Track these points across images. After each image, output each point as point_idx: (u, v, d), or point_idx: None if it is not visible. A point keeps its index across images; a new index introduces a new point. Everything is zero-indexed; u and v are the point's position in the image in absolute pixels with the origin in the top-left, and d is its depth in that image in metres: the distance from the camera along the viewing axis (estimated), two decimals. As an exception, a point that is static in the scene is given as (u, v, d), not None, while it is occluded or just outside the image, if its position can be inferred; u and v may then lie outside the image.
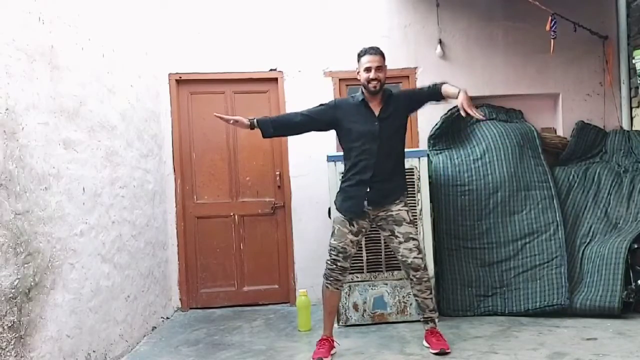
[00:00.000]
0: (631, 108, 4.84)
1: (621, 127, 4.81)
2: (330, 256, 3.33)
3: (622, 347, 3.25)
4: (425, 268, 3.35)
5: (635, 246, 3.93)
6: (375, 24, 4.79)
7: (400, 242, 3.30)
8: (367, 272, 4.04)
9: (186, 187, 4.78)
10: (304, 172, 4.71)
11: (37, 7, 2.73)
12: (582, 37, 4.62)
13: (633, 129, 4.78)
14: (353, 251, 3.36)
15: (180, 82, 4.76)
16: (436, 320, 3.43)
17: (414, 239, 3.31)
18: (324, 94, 4.72)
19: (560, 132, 4.86)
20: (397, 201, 3.32)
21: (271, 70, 4.77)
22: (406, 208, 3.37)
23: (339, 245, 3.31)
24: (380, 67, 3.28)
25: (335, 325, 3.99)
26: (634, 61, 4.44)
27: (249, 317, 4.43)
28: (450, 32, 4.80)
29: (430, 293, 3.39)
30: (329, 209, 4.11)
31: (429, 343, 3.34)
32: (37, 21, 2.72)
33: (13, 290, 2.37)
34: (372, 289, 4.04)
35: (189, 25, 4.72)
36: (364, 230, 3.38)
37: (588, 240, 4.21)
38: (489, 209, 4.26)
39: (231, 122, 3.39)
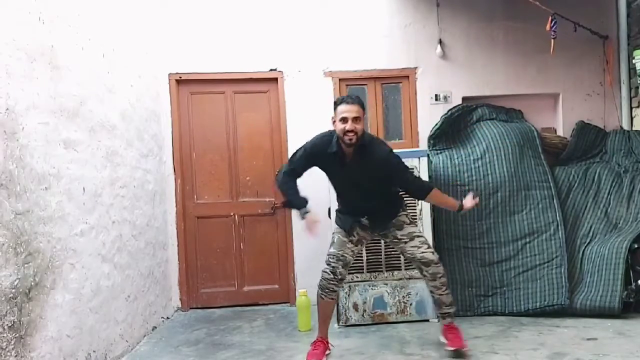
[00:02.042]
0: (631, 108, 4.84)
1: (621, 127, 4.81)
2: (330, 264, 3.28)
3: (622, 347, 3.25)
4: (438, 262, 3.26)
5: (636, 246, 3.93)
6: (375, 23, 4.79)
7: (405, 243, 3.28)
8: (367, 272, 4.04)
9: (186, 187, 4.78)
10: (304, 172, 4.69)
11: (37, 7, 2.72)
12: (582, 37, 4.62)
13: (633, 129, 4.78)
14: (352, 260, 3.34)
15: (180, 82, 4.76)
16: (453, 314, 3.38)
17: (418, 236, 3.30)
18: (324, 94, 4.73)
19: (560, 132, 4.86)
20: (394, 219, 3.31)
21: (271, 70, 4.77)
22: (404, 213, 3.35)
23: (338, 253, 3.28)
24: (358, 118, 3.06)
25: (335, 325, 4.00)
26: (634, 61, 4.43)
27: (249, 317, 4.43)
28: (450, 32, 4.80)
29: (447, 289, 3.30)
30: (329, 209, 4.11)
31: (446, 338, 3.31)
32: (37, 21, 2.72)
33: (13, 290, 2.37)
34: (372, 289, 4.04)
35: (189, 25, 4.71)
36: (364, 241, 3.38)
37: (588, 240, 4.21)
38: (489, 209, 4.26)
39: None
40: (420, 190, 3.28)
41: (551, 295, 3.99)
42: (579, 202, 4.40)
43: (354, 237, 3.31)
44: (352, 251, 3.32)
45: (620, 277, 3.82)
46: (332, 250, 3.32)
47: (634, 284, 3.87)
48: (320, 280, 3.30)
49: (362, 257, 4.02)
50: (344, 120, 3.06)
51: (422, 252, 3.25)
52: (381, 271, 4.04)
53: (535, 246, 4.17)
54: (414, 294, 4.04)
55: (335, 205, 3.47)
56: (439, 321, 3.42)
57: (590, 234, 4.25)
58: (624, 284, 3.82)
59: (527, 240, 4.19)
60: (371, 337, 3.73)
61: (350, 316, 4.03)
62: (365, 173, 3.15)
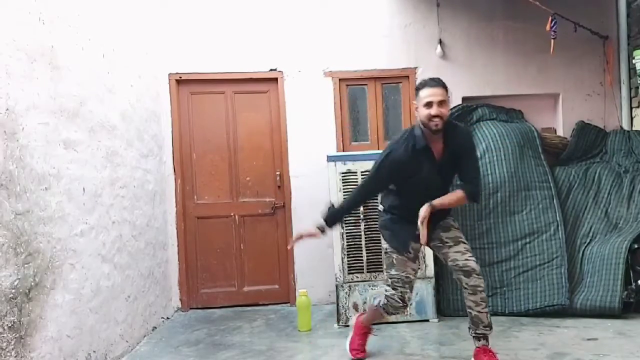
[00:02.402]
0: (631, 108, 4.84)
1: (621, 127, 4.81)
2: (397, 289, 3.06)
3: (622, 347, 3.25)
4: (480, 275, 2.94)
5: (636, 246, 3.93)
6: (375, 23, 4.79)
7: (450, 247, 2.99)
8: (367, 272, 4.04)
9: (186, 187, 4.78)
10: (304, 172, 4.71)
11: (37, 7, 2.72)
12: (582, 37, 4.62)
13: (633, 129, 4.78)
14: (415, 280, 3.16)
15: (180, 82, 4.75)
16: (489, 337, 3.05)
17: (464, 243, 3.02)
18: (324, 94, 4.73)
19: (560, 132, 4.86)
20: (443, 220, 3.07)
21: (271, 70, 4.77)
22: (451, 216, 3.12)
23: (402, 275, 3.05)
24: (443, 102, 2.84)
25: (335, 325, 4.00)
26: (634, 61, 4.43)
27: (249, 317, 4.43)
28: (450, 32, 4.80)
29: (486, 306, 2.98)
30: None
31: None
32: (37, 21, 2.72)
33: (13, 291, 2.37)
34: (372, 289, 4.03)
35: (189, 25, 4.71)
36: (419, 254, 3.17)
37: (588, 241, 4.21)
38: (489, 209, 4.26)
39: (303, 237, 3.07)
40: (477, 187, 2.97)
41: (551, 296, 3.99)
42: (579, 202, 4.40)
43: (410, 253, 3.05)
44: (414, 269, 3.09)
45: (620, 277, 3.82)
46: (394, 272, 3.06)
47: (634, 284, 3.87)
48: (387, 303, 3.12)
49: (362, 257, 4.02)
50: (428, 104, 2.82)
51: (466, 260, 2.93)
52: (381, 271, 4.03)
53: (536, 246, 4.16)
54: (414, 294, 4.02)
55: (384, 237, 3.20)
56: (475, 340, 3.04)
57: (591, 234, 4.25)
58: (624, 284, 3.82)
59: (527, 240, 4.19)
60: (371, 337, 3.71)
61: (350, 316, 4.02)
62: (450, 162, 2.92)
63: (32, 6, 2.68)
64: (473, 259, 2.96)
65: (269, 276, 4.82)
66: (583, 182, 4.47)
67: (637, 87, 4.73)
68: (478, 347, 3.03)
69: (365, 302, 4.02)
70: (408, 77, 4.81)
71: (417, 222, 2.83)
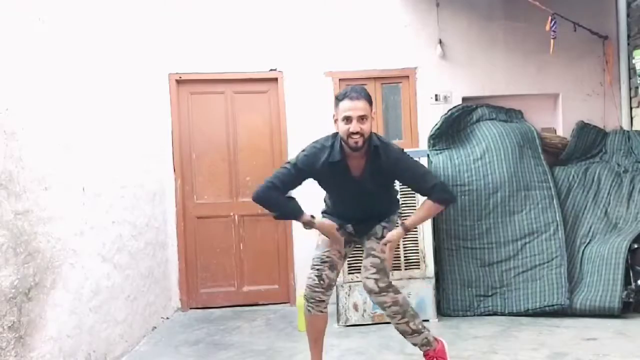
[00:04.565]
0: (631, 108, 4.84)
1: (621, 127, 4.81)
2: (314, 268, 2.84)
3: (622, 347, 3.25)
4: (381, 292, 2.74)
5: (635, 246, 3.93)
6: (375, 23, 4.78)
7: (364, 257, 2.84)
8: (367, 272, 4.03)
9: (186, 187, 4.78)
10: (304, 172, 4.70)
11: (37, 7, 2.72)
12: (582, 37, 4.62)
13: (633, 129, 4.78)
14: (339, 263, 2.90)
15: (180, 82, 4.75)
16: (429, 340, 2.85)
17: (373, 256, 2.80)
18: (324, 94, 4.73)
19: (560, 132, 4.86)
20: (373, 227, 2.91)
21: (271, 70, 4.77)
22: (384, 224, 2.91)
23: (323, 255, 2.84)
24: (364, 117, 2.58)
25: (335, 325, 4.00)
26: (634, 61, 4.43)
27: (249, 317, 4.43)
28: (450, 32, 4.80)
29: (403, 317, 2.79)
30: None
31: None
32: (37, 21, 2.72)
33: (13, 290, 2.37)
34: (372, 289, 4.03)
35: (189, 25, 4.71)
36: (352, 243, 3.00)
37: (588, 240, 4.21)
38: (489, 209, 4.26)
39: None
40: (442, 191, 2.76)
41: (551, 296, 3.99)
42: (578, 202, 4.40)
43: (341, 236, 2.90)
44: (339, 252, 2.88)
45: (620, 277, 3.82)
46: (316, 253, 2.87)
47: (633, 284, 3.87)
48: (305, 289, 2.86)
49: (362, 257, 4.01)
50: (347, 119, 2.58)
51: (366, 278, 2.78)
52: (381, 271, 4.03)
53: (535, 246, 4.17)
54: (414, 294, 4.03)
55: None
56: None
57: (590, 234, 4.25)
58: (623, 284, 3.83)
59: (527, 240, 4.19)
60: (371, 337, 3.73)
61: (350, 316, 4.03)
62: (373, 181, 2.73)
63: (32, 6, 2.68)
64: (374, 276, 2.75)
65: (269, 276, 4.82)
66: (583, 182, 4.47)
67: (637, 87, 4.72)
68: (424, 354, 2.90)
69: (365, 302, 4.02)
70: (408, 77, 4.81)
71: (344, 221, 2.82)
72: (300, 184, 2.81)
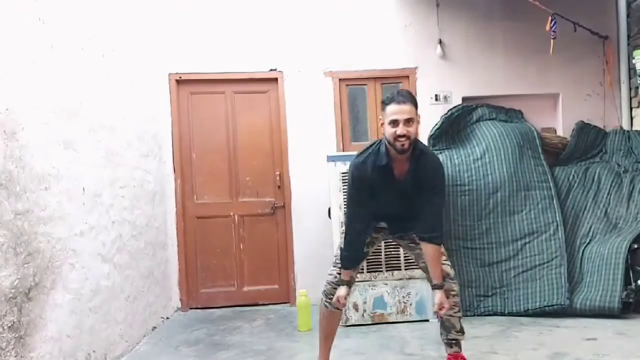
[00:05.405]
0: (631, 108, 4.84)
1: (621, 127, 4.81)
2: (336, 265, 2.91)
3: (622, 347, 3.25)
4: (454, 279, 2.89)
5: (635, 246, 3.93)
6: (375, 23, 4.78)
7: (422, 249, 2.86)
8: (367, 272, 4.04)
9: (186, 187, 4.78)
10: (304, 172, 4.71)
11: (37, 7, 2.72)
12: (582, 37, 4.62)
13: (633, 129, 4.78)
14: (361, 263, 2.99)
15: (180, 82, 4.75)
16: (461, 342, 3.00)
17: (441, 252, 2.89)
18: (324, 94, 4.73)
19: (560, 132, 4.86)
20: None
21: (271, 70, 4.77)
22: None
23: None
24: (411, 120, 2.63)
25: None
26: (634, 61, 4.44)
27: (249, 317, 4.43)
28: (450, 32, 4.80)
29: (459, 310, 2.92)
30: (329, 209, 4.12)
31: None
32: (37, 21, 2.72)
33: (13, 290, 2.37)
34: (372, 289, 4.03)
35: (189, 25, 4.71)
36: (376, 242, 3.05)
37: (588, 240, 4.22)
38: (489, 209, 4.26)
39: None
40: (439, 234, 2.80)
41: (551, 296, 3.99)
42: (578, 202, 4.40)
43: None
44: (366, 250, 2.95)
45: (620, 277, 3.83)
46: (338, 251, 2.96)
47: (633, 284, 3.87)
48: (325, 285, 2.92)
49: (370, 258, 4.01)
50: (394, 123, 2.62)
51: (442, 263, 2.86)
52: (381, 271, 4.04)
53: (535, 246, 4.17)
54: (414, 294, 4.04)
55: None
56: (446, 347, 3.01)
57: (590, 234, 4.25)
58: (623, 284, 3.83)
59: (527, 240, 4.19)
60: (371, 337, 3.73)
61: (350, 316, 4.03)
62: (415, 184, 2.75)
63: (32, 6, 2.68)
64: (448, 262, 2.89)
65: (269, 276, 4.82)
66: (583, 182, 4.47)
67: (637, 87, 4.73)
68: (450, 354, 2.99)
69: (365, 302, 4.02)
70: (408, 77, 4.81)
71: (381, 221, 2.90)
72: (370, 193, 2.78)
